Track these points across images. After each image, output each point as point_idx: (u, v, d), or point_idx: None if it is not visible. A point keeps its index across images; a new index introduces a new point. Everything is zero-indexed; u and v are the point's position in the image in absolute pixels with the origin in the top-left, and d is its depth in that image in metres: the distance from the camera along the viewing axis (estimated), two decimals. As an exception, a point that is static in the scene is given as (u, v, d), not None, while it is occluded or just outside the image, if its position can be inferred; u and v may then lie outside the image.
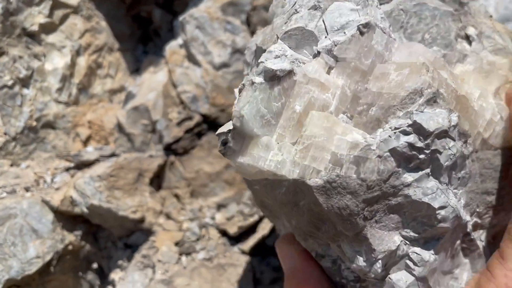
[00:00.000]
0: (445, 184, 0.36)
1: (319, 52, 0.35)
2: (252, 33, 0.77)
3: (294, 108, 0.34)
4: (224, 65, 0.77)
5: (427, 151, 0.34)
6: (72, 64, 0.78)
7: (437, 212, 0.35)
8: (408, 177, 0.34)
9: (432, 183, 0.35)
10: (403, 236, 0.36)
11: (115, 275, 0.73)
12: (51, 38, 0.76)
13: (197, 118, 0.78)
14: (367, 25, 0.34)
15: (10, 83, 0.69)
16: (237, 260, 0.73)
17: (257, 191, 0.41)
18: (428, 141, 0.34)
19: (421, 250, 0.36)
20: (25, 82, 0.71)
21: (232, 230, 0.74)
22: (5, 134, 0.69)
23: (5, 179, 0.68)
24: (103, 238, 0.75)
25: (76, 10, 0.79)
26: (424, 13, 0.41)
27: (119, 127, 0.80)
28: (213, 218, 0.76)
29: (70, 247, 0.68)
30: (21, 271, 0.62)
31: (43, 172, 0.72)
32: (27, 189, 0.69)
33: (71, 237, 0.69)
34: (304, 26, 0.35)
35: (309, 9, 0.36)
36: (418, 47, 0.37)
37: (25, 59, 0.71)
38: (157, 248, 0.72)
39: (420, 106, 0.34)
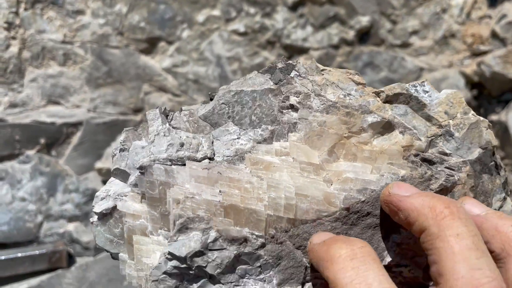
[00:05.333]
0: (231, 283, 0.41)
1: (130, 187, 0.43)
2: None
3: (123, 234, 0.42)
4: None
5: (193, 268, 0.39)
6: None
7: None
8: (194, 285, 0.40)
9: (216, 285, 0.40)
10: None
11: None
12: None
13: None
14: (141, 167, 0.41)
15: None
16: None
17: None
18: (188, 262, 0.39)
19: None
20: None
21: None
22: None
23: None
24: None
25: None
26: (244, 98, 0.43)
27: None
28: None
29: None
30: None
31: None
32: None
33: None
34: (119, 166, 0.43)
35: (119, 151, 0.43)
36: (188, 169, 0.41)
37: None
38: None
39: (173, 237, 0.40)
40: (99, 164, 1.44)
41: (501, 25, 1.59)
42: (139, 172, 0.41)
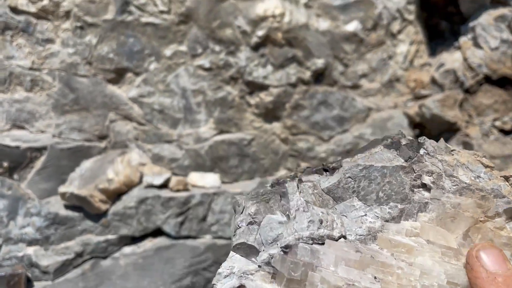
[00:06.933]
0: None
1: (260, 265, 0.39)
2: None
3: None
4: (496, 48, 1.54)
5: None
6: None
7: None
8: None
9: None
10: None
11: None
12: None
13: (481, 75, 1.57)
14: (287, 246, 0.38)
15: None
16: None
17: None
18: None
19: None
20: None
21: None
22: None
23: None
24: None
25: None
26: (373, 174, 0.42)
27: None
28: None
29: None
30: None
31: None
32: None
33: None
34: (246, 240, 0.39)
35: (247, 224, 0.40)
36: (340, 251, 0.38)
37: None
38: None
39: None
40: (62, 189, 1.46)
41: (439, 72, 1.77)
42: (282, 251, 0.38)
